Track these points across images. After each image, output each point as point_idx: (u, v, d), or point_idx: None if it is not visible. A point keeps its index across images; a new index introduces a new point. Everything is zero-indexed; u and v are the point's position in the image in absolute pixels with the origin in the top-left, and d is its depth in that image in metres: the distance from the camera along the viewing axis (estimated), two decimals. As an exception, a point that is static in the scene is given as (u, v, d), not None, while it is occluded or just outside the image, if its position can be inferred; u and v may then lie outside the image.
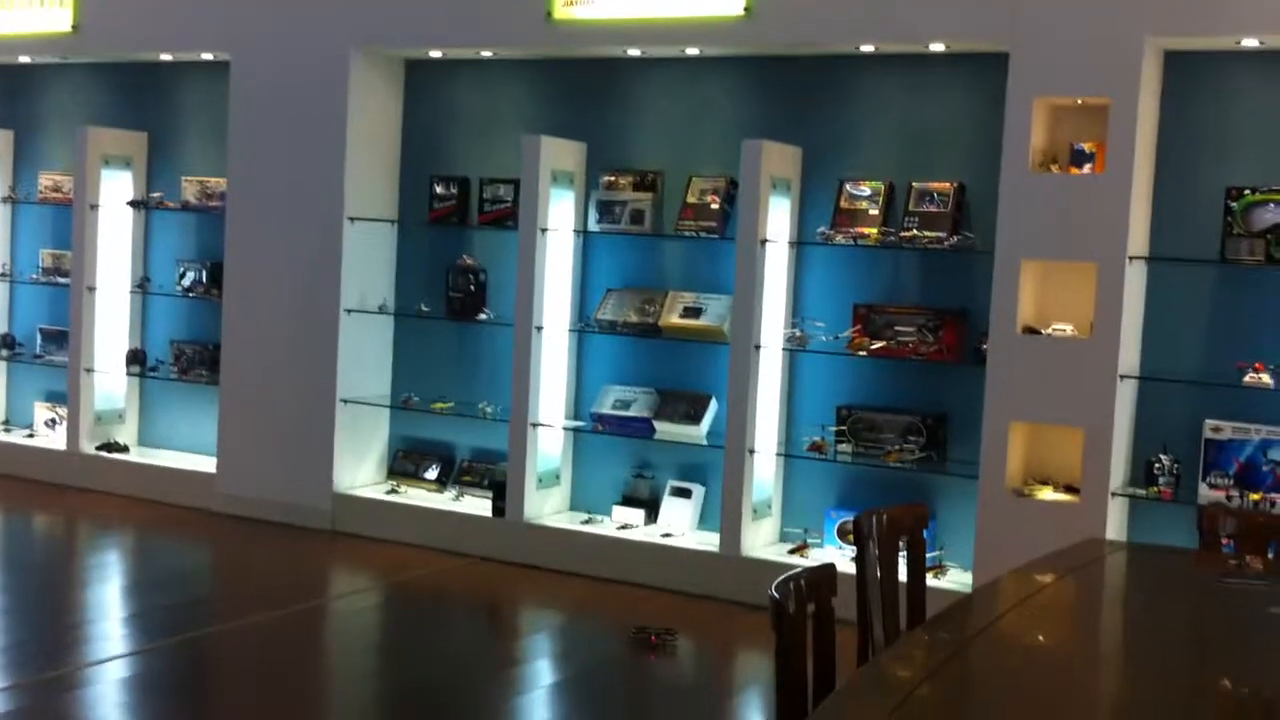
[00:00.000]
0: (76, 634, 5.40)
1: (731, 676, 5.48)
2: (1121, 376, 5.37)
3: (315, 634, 5.68)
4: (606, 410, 6.53)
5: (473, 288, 6.88)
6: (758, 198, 5.98)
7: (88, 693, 4.73)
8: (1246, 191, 5.28)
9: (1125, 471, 5.53)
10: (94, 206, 7.68)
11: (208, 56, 7.51)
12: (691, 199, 6.41)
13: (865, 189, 6.07)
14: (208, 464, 7.45)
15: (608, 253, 6.72)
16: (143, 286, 7.87)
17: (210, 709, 4.79)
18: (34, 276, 8.21)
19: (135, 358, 7.83)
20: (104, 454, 7.72)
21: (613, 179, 6.60)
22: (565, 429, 6.68)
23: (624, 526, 6.45)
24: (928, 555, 3.94)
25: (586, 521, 6.58)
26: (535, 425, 6.51)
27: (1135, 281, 5.45)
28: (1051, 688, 2.83)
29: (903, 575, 3.66)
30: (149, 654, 5.15)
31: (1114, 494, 5.40)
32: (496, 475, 6.72)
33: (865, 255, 6.13)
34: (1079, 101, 5.50)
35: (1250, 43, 5.29)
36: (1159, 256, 5.52)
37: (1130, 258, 5.35)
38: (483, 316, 6.84)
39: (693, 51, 6.34)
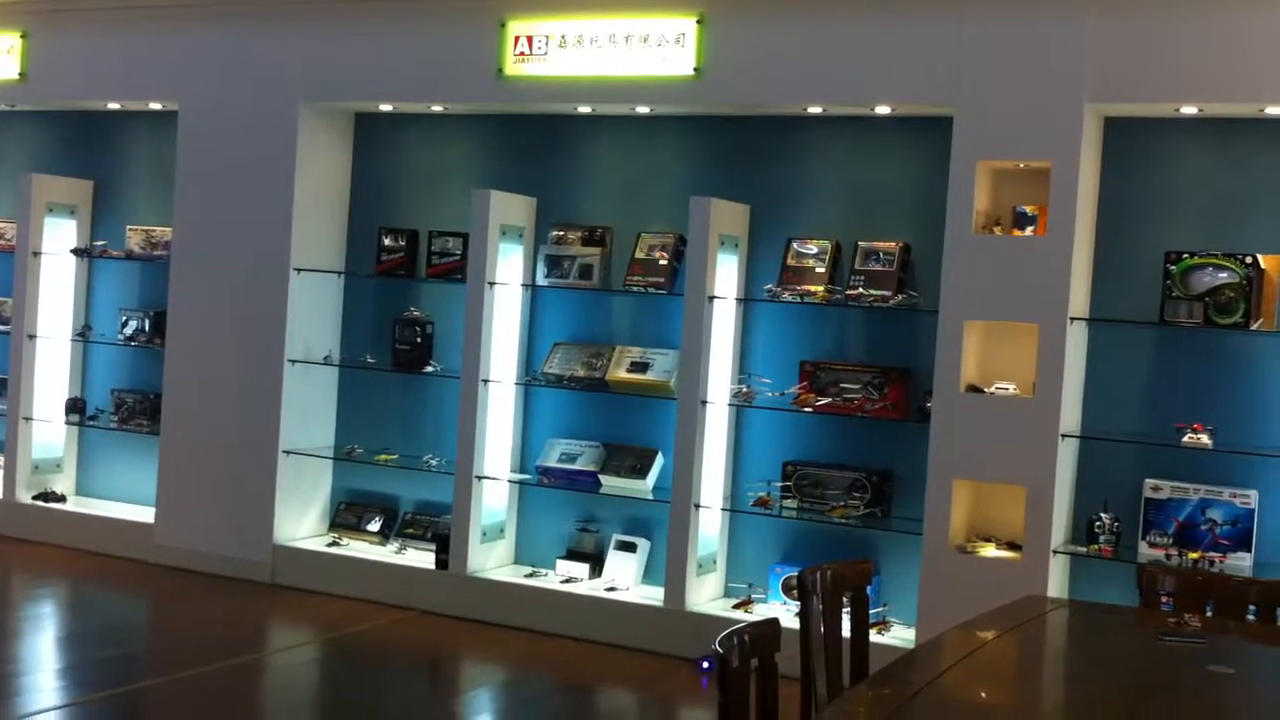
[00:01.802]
0: (10, 685, 5.29)
1: (675, 733, 5.46)
2: (1063, 435, 5.43)
3: (253, 689, 5.60)
4: (552, 463, 6.52)
5: (419, 340, 6.86)
6: (706, 254, 6.02)
7: (18, 747, 4.64)
8: (1185, 255, 5.38)
9: (1066, 529, 5.59)
10: (37, 254, 7.61)
11: (156, 106, 7.49)
12: (640, 254, 6.45)
13: (812, 247, 6.13)
14: (147, 514, 7.35)
15: (556, 306, 6.73)
16: (84, 335, 7.79)
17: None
18: (-27, 324, 8.11)
19: (75, 406, 7.74)
20: (41, 503, 7.60)
21: (562, 234, 6.62)
22: (510, 482, 6.65)
23: (568, 580, 6.42)
24: (871, 611, 3.96)
25: (530, 575, 6.55)
26: (480, 478, 6.49)
27: (1076, 342, 5.53)
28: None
29: (846, 631, 3.67)
30: (84, 707, 5.06)
31: (1055, 551, 5.45)
32: (440, 528, 6.68)
33: (812, 312, 6.18)
34: (1021, 165, 5.60)
35: (1189, 110, 5.41)
36: (1099, 318, 5.61)
37: (1071, 318, 5.43)
38: (429, 369, 6.82)
39: (643, 110, 6.41)
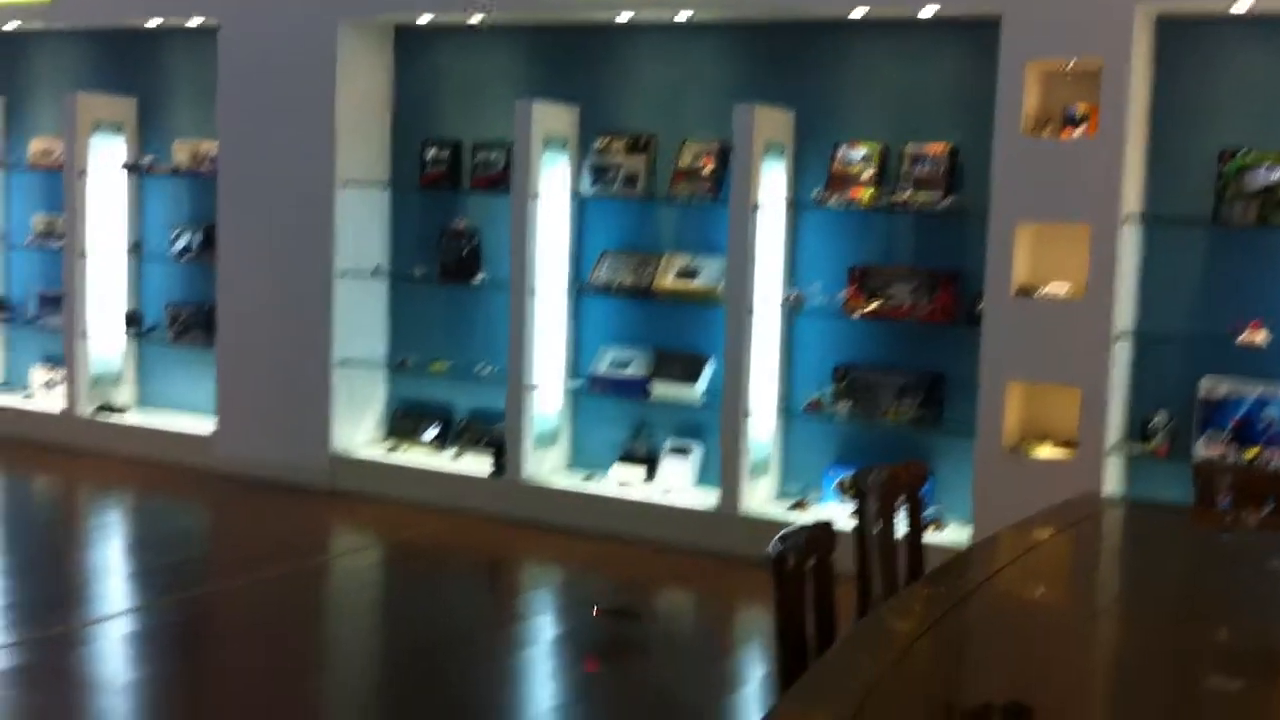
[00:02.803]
0: (79, 592, 5.45)
1: (731, 631, 5.55)
2: (1116, 336, 5.42)
3: (315, 592, 5.73)
4: (603, 371, 6.57)
5: (466, 251, 6.90)
6: (750, 162, 6.01)
7: (90, 649, 4.78)
8: (1238, 154, 5.32)
9: (1121, 429, 5.60)
10: (84, 172, 7.67)
11: (195, 22, 7.47)
12: (684, 163, 6.43)
13: (859, 152, 6.10)
14: (206, 425, 7.48)
15: (602, 216, 6.74)
16: (137, 251, 7.88)
17: (211, 665, 4.84)
18: (27, 241, 8.20)
19: (132, 320, 7.85)
20: (102, 416, 7.75)
21: (606, 143, 6.61)
22: (563, 389, 6.72)
23: (623, 484, 6.50)
24: (926, 512, 3.99)
25: (586, 479, 6.64)
26: (532, 386, 6.55)
27: (1129, 242, 5.50)
28: (1048, 641, 2.88)
29: (901, 531, 3.71)
30: (150, 611, 5.20)
31: (1110, 451, 5.46)
32: (495, 435, 6.77)
33: (859, 218, 6.16)
34: (1071, 65, 5.53)
35: (1241, 8, 5.32)
36: (1152, 217, 5.57)
37: (1124, 219, 5.39)
38: (477, 280, 6.86)
39: (684, 16, 6.34)
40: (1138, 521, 4.00)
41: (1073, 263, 5.52)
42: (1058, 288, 5.54)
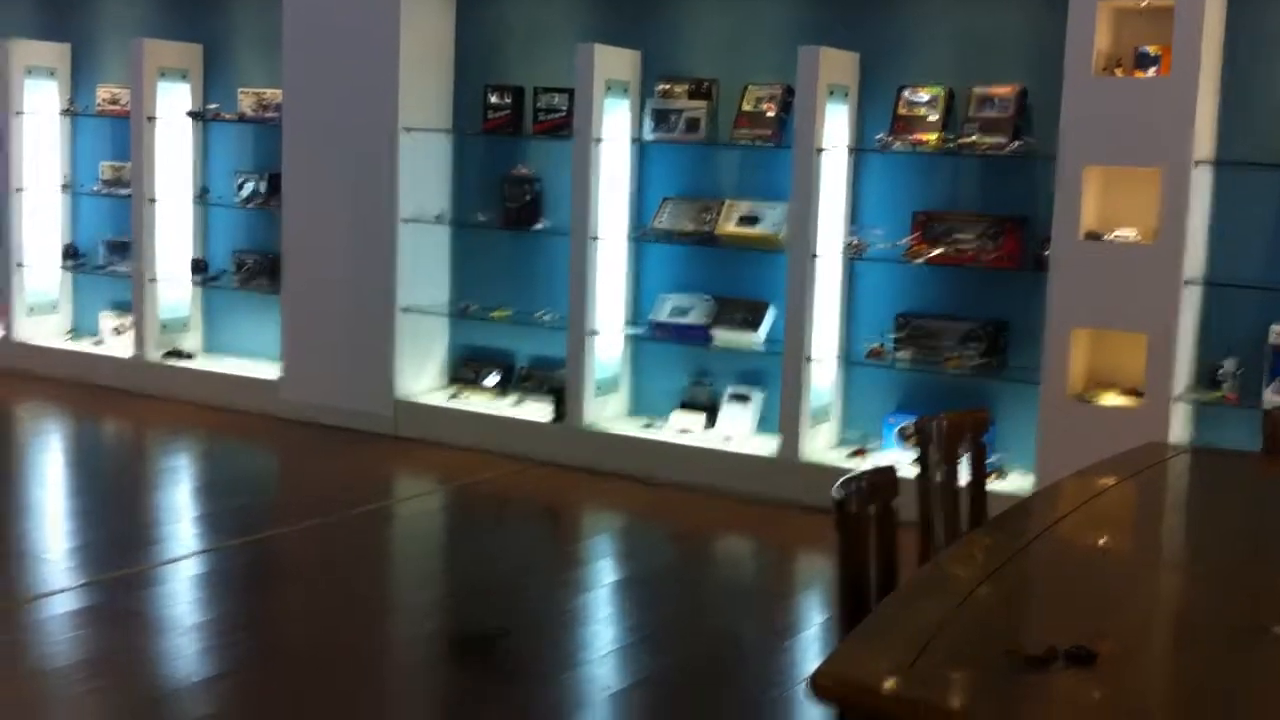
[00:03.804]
0: (147, 534, 5.54)
1: (792, 576, 5.56)
2: (1186, 282, 5.32)
3: (379, 535, 5.80)
4: (664, 318, 6.56)
5: (528, 198, 6.89)
6: (814, 105, 5.94)
7: (159, 590, 4.87)
8: (1316, 94, 5.18)
9: (1189, 377, 5.51)
10: (151, 119, 7.74)
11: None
12: (747, 107, 6.37)
13: (924, 95, 6.01)
14: (272, 370, 7.56)
15: (664, 161, 6.70)
16: (202, 198, 7.95)
17: (277, 606, 4.92)
18: (95, 188, 8.30)
19: (198, 267, 7.93)
20: (170, 361, 7.85)
21: (667, 88, 6.56)
22: (624, 336, 6.72)
23: (683, 431, 6.50)
24: (988, 460, 3.96)
25: (646, 427, 6.64)
26: (593, 333, 6.56)
27: (1201, 186, 5.38)
28: (1111, 588, 2.85)
29: (964, 479, 3.68)
30: (218, 553, 5.29)
31: (1177, 398, 5.38)
32: (555, 382, 6.79)
33: (924, 162, 6.08)
34: (1143, 3, 5.40)
35: (1323, -59, 5.17)
36: (1225, 161, 5.45)
37: (1196, 162, 5.28)
38: (539, 226, 6.86)
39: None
40: (1204, 469, 3.93)
41: (1142, 207, 5.42)
42: (1126, 232, 5.44)
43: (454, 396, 7.14)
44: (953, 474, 3.54)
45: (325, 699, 3.98)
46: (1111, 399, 5.50)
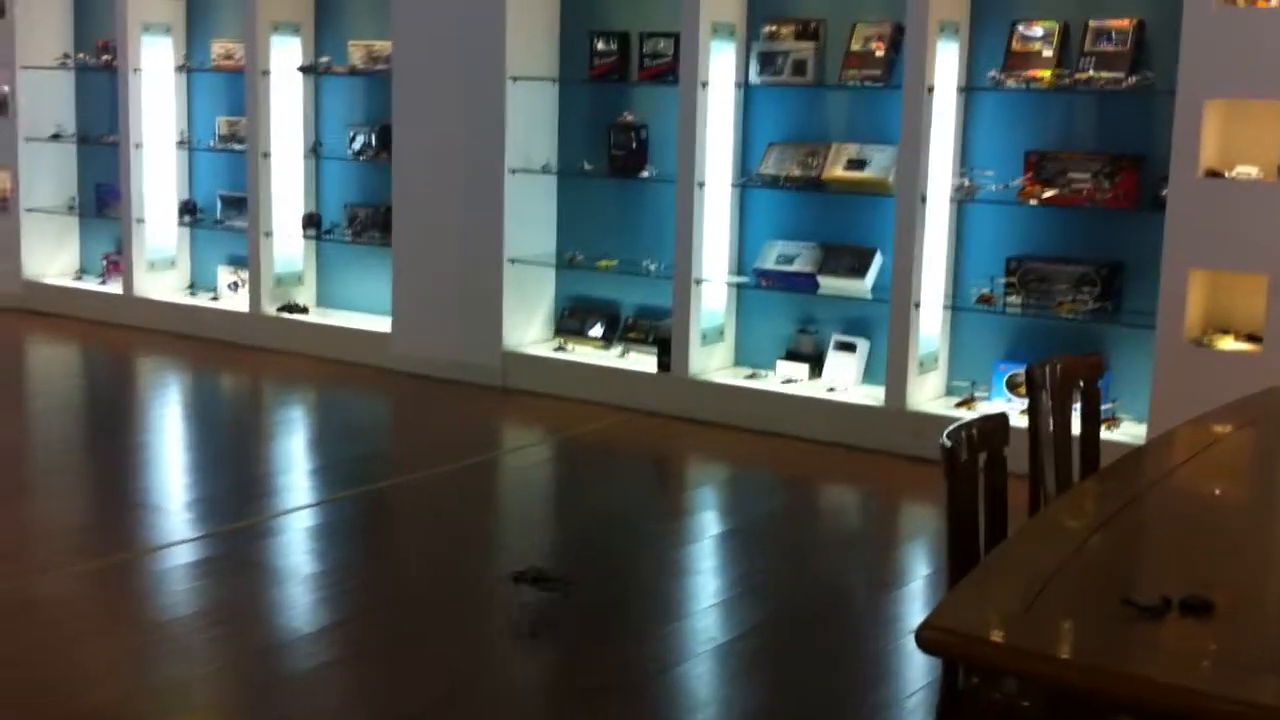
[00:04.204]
0: (264, 486, 5.67)
1: (898, 527, 5.51)
2: (1308, 221, 5.14)
3: (490, 485, 5.87)
4: (770, 265, 6.50)
5: (634, 145, 6.86)
6: (924, 43, 5.81)
7: (276, 540, 4.98)
8: None
9: (1313, 320, 5.32)
10: (265, 73, 7.83)
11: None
12: (855, 47, 6.26)
13: (1038, 29, 5.85)
14: (384, 324, 7.65)
15: (769, 105, 6.62)
16: (315, 151, 8.04)
17: (391, 554, 5.01)
18: (211, 144, 8.45)
19: (311, 221, 8.04)
20: (284, 315, 7.99)
21: (774, 29, 6.47)
22: (728, 285, 6.68)
23: (788, 381, 6.46)
24: (1102, 407, 3.87)
25: (751, 376, 6.61)
26: (698, 282, 6.53)
27: (1328, 120, 5.18)
28: (1228, 539, 2.78)
29: (1076, 427, 3.60)
30: (332, 504, 5.39)
31: (1300, 343, 5.21)
32: (661, 331, 6.78)
33: (1038, 100, 5.93)
34: (1270, -72, 5.19)
35: None
36: (1355, 93, 5.23)
37: (1323, 94, 5.08)
38: (645, 174, 6.83)
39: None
40: (1328, 416, 3.80)
41: (1265, 143, 5.23)
42: (1248, 170, 5.25)
43: (560, 348, 7.17)
44: (1065, 421, 3.47)
45: (438, 646, 4.04)
46: (1229, 344, 5.34)
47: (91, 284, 8.92)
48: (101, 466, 5.92)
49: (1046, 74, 5.76)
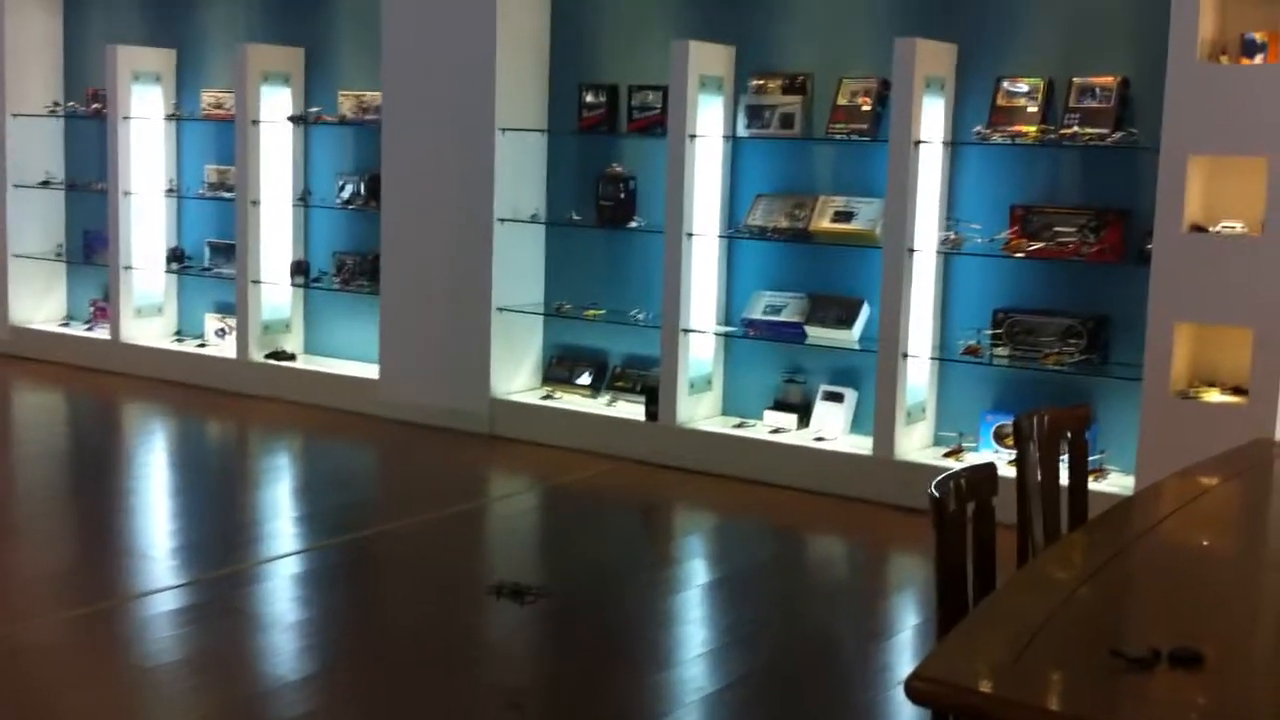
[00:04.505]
0: (249, 533, 5.64)
1: (886, 577, 5.50)
2: (1291, 274, 5.18)
3: (477, 533, 5.85)
4: (757, 315, 6.53)
5: (623, 195, 6.90)
6: (911, 98, 5.87)
7: (261, 587, 4.95)
8: None
9: (1297, 373, 5.36)
10: (255, 122, 7.87)
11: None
12: (842, 101, 6.32)
13: (1023, 85, 5.91)
14: (371, 370, 7.65)
15: (757, 158, 6.67)
16: (304, 200, 8.07)
17: (376, 604, 4.98)
18: (200, 192, 8.47)
19: (299, 269, 8.06)
20: (272, 362, 7.99)
21: (762, 83, 6.53)
22: (716, 334, 6.70)
23: (776, 430, 6.47)
24: (1089, 458, 3.88)
25: (738, 426, 6.62)
26: (686, 331, 6.55)
27: (1310, 176, 5.23)
28: (1217, 591, 2.78)
29: (1063, 478, 3.61)
30: (318, 551, 5.37)
31: (1284, 396, 5.24)
32: (649, 380, 6.79)
33: (1023, 154, 5.99)
34: (1252, -12, 5.27)
35: None
36: (1336, 149, 5.29)
37: (1305, 151, 5.13)
38: (633, 224, 6.87)
39: (845, -51, 6.21)
40: (1314, 468, 3.82)
41: (1249, 198, 5.28)
42: (1232, 224, 5.30)
43: (548, 396, 7.18)
44: (1052, 473, 3.48)
45: (422, 696, 4.02)
46: (1215, 396, 5.37)
47: (79, 330, 8.91)
48: (86, 512, 5.89)
49: (1032, 129, 5.82)
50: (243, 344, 8.01)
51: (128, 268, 8.45)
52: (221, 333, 8.34)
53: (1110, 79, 5.73)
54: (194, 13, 8.57)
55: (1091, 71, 5.78)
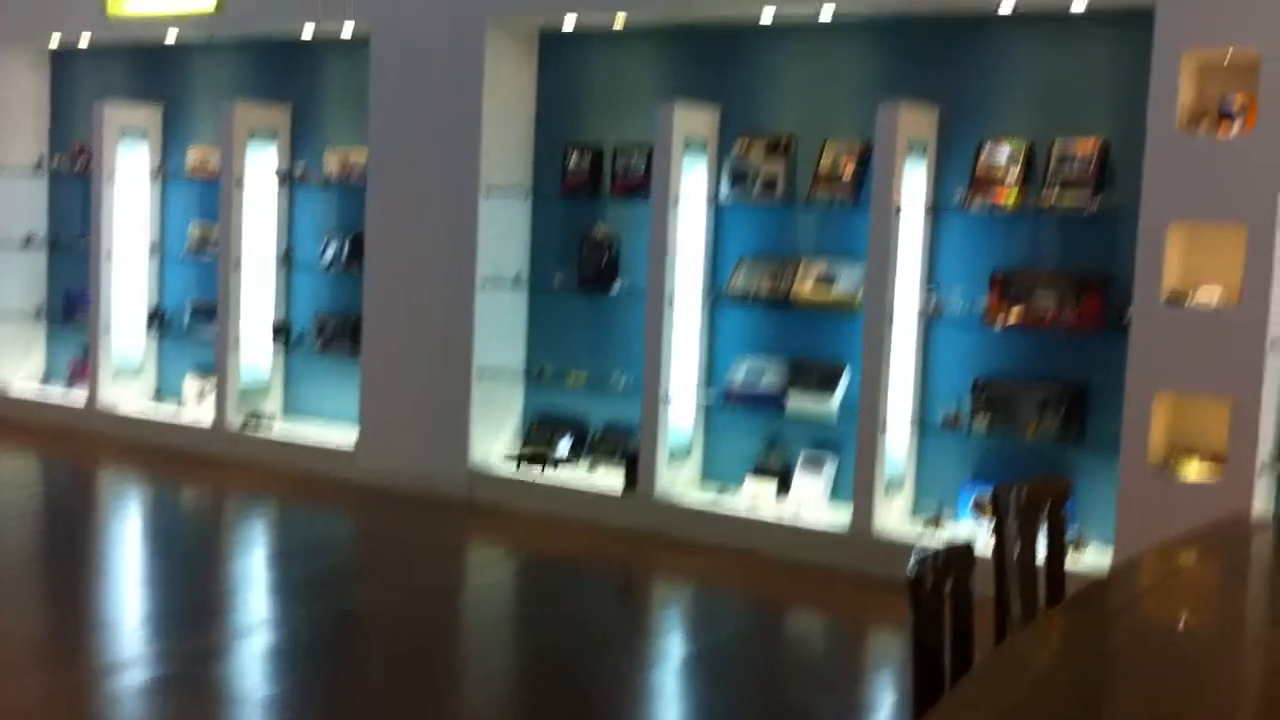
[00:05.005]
0: (221, 603, 5.56)
1: (864, 653, 5.43)
2: (1272, 344, 5.16)
3: (453, 604, 5.77)
4: (738, 381, 6.50)
5: (605, 259, 6.89)
6: (893, 162, 5.88)
7: (232, 660, 4.87)
8: None
9: (1275, 444, 5.32)
10: (240, 181, 7.85)
11: (348, 32, 7.60)
12: (825, 164, 6.33)
13: (1004, 150, 5.92)
14: (350, 435, 7.60)
15: (740, 221, 6.67)
16: (287, 260, 8.04)
17: (350, 676, 4.89)
18: (183, 251, 8.44)
19: (280, 330, 8.01)
20: (249, 426, 7.89)
21: (746, 145, 6.53)
22: (697, 401, 6.66)
23: (755, 500, 6.41)
24: (1068, 531, 3.84)
25: (719, 493, 6.57)
26: (667, 398, 6.51)
27: (1289, 245, 5.23)
28: (1194, 670, 2.74)
29: (1041, 552, 3.57)
30: (291, 623, 5.29)
31: (1262, 467, 5.20)
32: (629, 447, 6.74)
33: (1003, 220, 5.99)
34: (1228, 57, 5.29)
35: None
36: (1314, 219, 5.29)
37: (1283, 220, 5.14)
38: (615, 288, 6.85)
39: (827, 13, 6.23)
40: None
41: (1227, 267, 5.28)
42: (1210, 293, 5.30)
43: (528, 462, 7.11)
44: (1030, 547, 3.44)
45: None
46: (1194, 467, 5.33)
47: (57, 390, 8.85)
48: (56, 579, 5.80)
49: (1011, 195, 5.83)
50: (221, 407, 7.95)
51: (108, 329, 8.40)
52: (201, 395, 8.27)
53: (1090, 145, 5.74)
54: (182, 69, 8.58)
55: (1072, 136, 5.80)
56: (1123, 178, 5.68)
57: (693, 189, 6.55)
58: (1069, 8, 5.70)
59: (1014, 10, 5.83)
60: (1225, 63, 5.32)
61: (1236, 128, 5.27)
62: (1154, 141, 5.33)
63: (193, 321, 8.40)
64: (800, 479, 6.40)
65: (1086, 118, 5.83)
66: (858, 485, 6.01)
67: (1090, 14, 5.74)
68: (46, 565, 6.10)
